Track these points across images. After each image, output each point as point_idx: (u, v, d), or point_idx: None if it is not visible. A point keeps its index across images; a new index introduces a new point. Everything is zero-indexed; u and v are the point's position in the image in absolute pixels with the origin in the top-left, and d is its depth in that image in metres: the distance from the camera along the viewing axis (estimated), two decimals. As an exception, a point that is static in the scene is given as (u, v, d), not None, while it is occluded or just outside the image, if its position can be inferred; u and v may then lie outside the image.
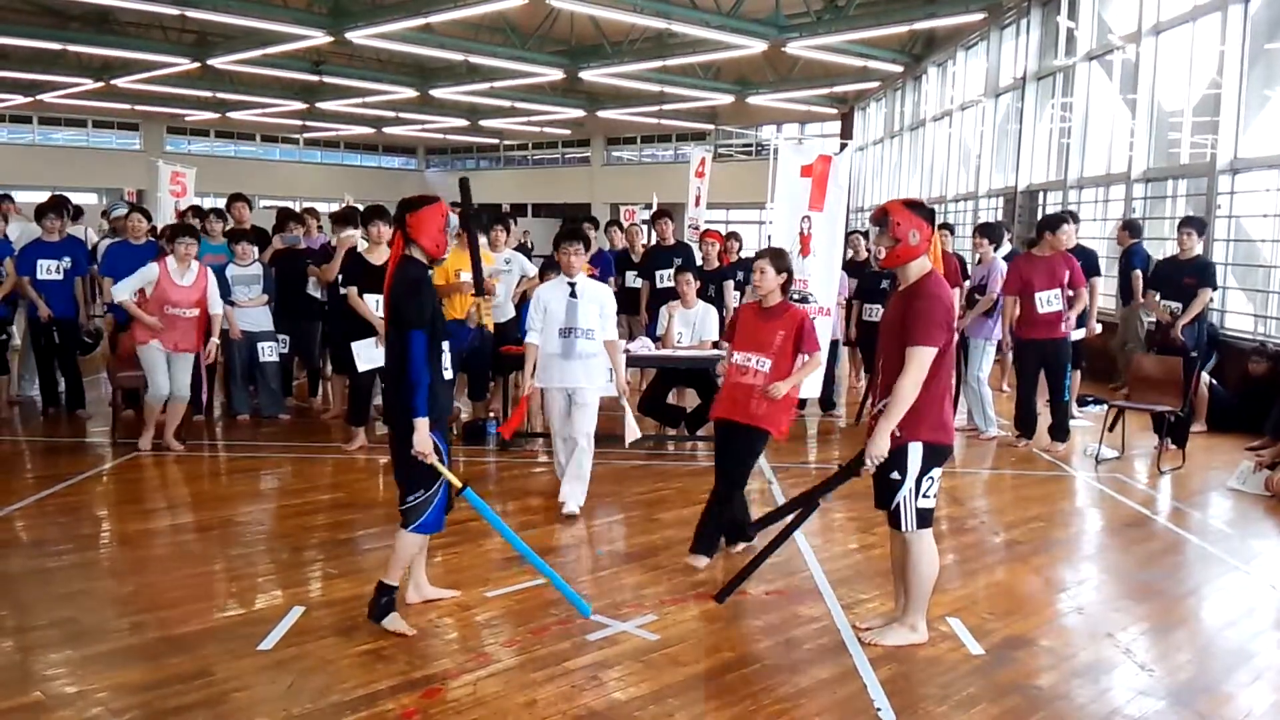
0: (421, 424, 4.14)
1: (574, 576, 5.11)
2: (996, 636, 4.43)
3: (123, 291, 7.32)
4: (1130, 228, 10.55)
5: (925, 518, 4.20)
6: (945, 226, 10.81)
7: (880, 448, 4.07)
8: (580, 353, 5.97)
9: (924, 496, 4.16)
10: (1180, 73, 11.54)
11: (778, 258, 5.23)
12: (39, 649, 4.11)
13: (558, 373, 6.02)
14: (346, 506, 6.28)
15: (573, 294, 6.00)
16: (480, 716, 3.58)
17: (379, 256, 7.53)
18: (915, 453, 4.12)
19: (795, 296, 7.80)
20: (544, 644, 4.23)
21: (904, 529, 4.19)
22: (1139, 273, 10.08)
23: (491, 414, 8.27)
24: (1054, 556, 5.69)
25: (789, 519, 4.63)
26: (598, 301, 6.05)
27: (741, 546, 5.35)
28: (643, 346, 7.92)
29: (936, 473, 4.19)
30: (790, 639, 4.37)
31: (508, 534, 4.54)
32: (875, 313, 8.97)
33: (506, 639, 4.29)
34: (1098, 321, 8.91)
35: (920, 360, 4.01)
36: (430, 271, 4.35)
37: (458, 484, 4.33)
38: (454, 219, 4.58)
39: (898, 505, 4.17)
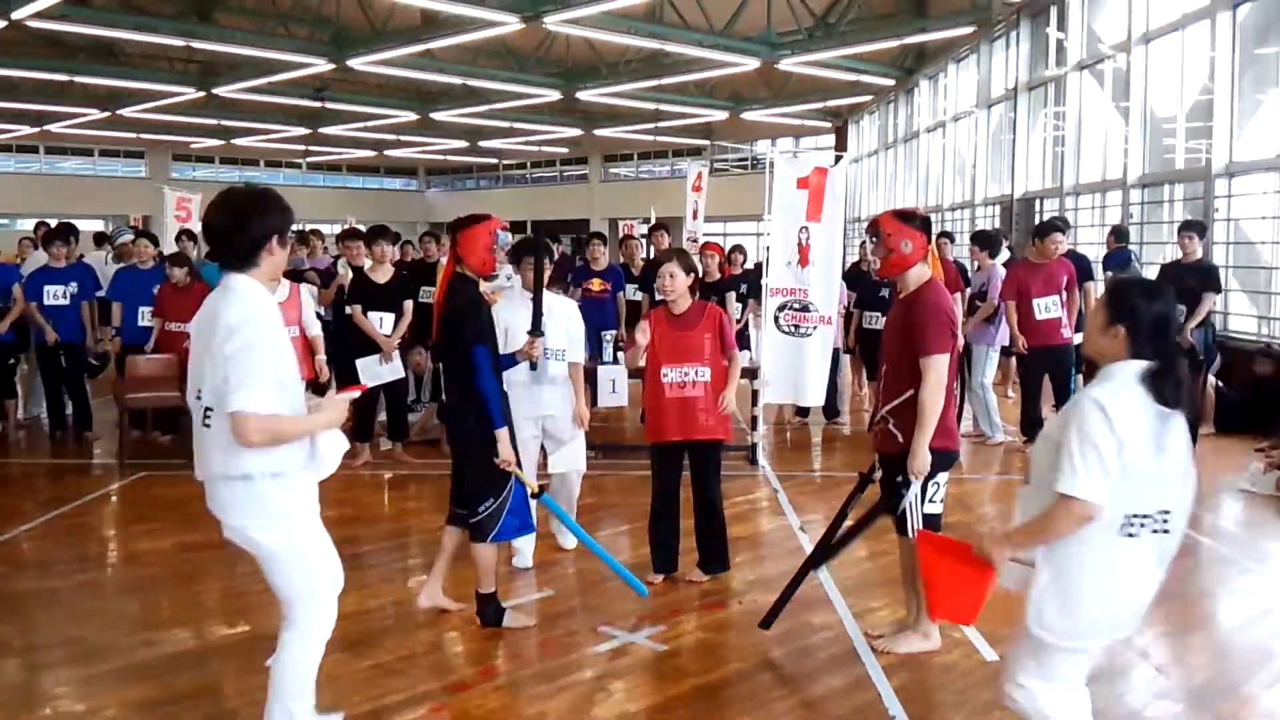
0: (502, 434, 4.27)
1: (582, 588, 5.12)
2: (1011, 642, 4.40)
3: None
4: (1116, 233, 10.65)
5: (932, 523, 4.19)
6: (945, 234, 10.86)
7: (922, 463, 4.05)
8: (552, 376, 5.26)
9: (930, 502, 4.16)
10: (1172, 79, 11.58)
11: (683, 257, 5.06)
12: (48, 668, 4.12)
13: (528, 401, 5.18)
14: (352, 522, 6.26)
15: None
16: (491, 728, 3.58)
17: (382, 275, 7.66)
18: (922, 459, 4.09)
19: (796, 305, 7.85)
20: (553, 656, 4.23)
21: (910, 534, 4.18)
22: (1109, 274, 10.18)
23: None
24: (1063, 560, 5.67)
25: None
26: (565, 318, 5.37)
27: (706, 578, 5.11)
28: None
29: (943, 478, 4.19)
30: (802, 647, 4.35)
31: (580, 533, 4.69)
32: (876, 320, 9.00)
33: (515, 651, 4.29)
34: None
35: (936, 368, 4.02)
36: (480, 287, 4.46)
37: (535, 488, 4.47)
38: (504, 236, 4.55)
39: (903, 511, 4.17)
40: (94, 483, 7.30)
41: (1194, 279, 8.38)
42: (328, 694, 3.81)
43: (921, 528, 4.16)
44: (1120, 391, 2.73)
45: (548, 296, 5.35)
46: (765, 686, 3.96)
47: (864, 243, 10.92)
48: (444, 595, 4.67)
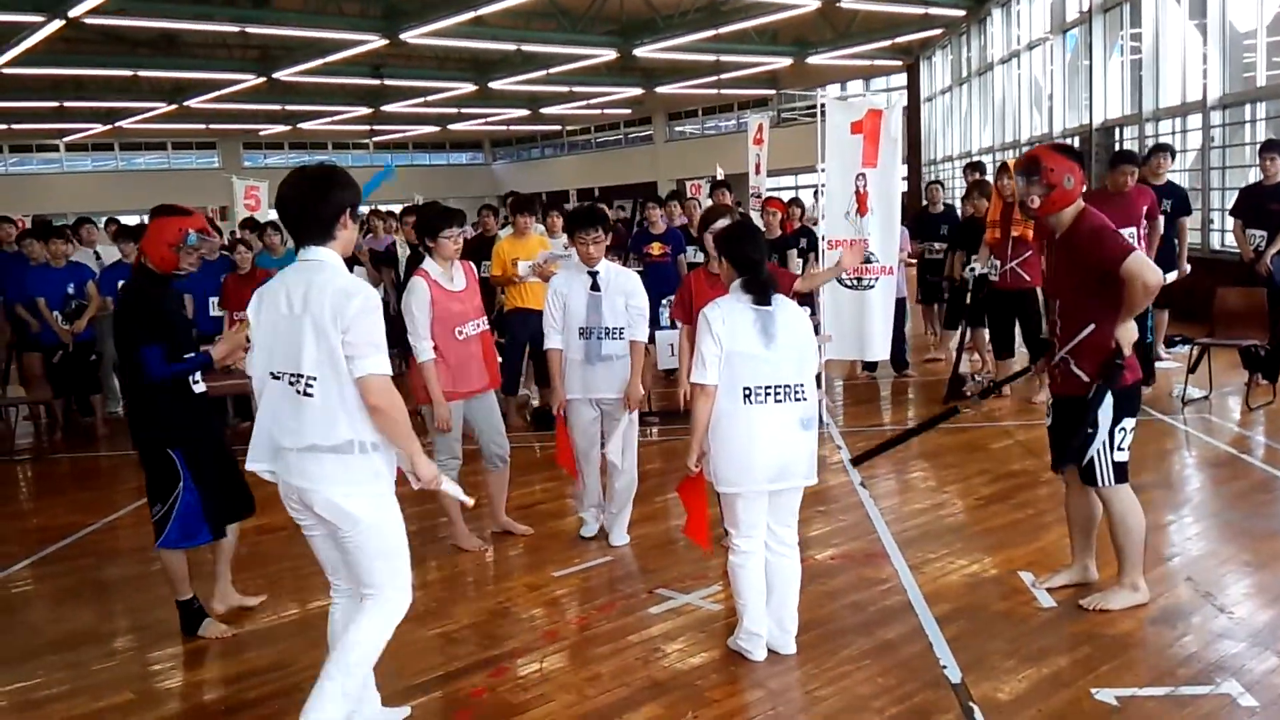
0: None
1: (640, 554, 5.15)
2: (1071, 588, 4.32)
3: (422, 344, 4.99)
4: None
5: (1123, 471, 4.02)
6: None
7: (1129, 333, 3.93)
8: (606, 355, 5.01)
9: (1119, 449, 3.99)
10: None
11: (731, 214, 4.89)
12: (134, 650, 4.31)
13: (580, 381, 5.06)
14: (413, 501, 6.37)
15: (594, 286, 5.01)
16: (545, 691, 3.66)
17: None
18: (1107, 402, 3.95)
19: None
20: (609, 619, 4.29)
21: (1100, 484, 4.02)
22: None
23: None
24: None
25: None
26: (624, 293, 5.05)
27: None
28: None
29: (1129, 423, 4.01)
30: (856, 601, 4.35)
31: None
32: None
33: (573, 616, 4.37)
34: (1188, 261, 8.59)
35: (1137, 259, 3.81)
36: (169, 284, 4.21)
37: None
38: (194, 237, 4.21)
39: (1091, 460, 3.99)
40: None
41: (1276, 202, 8.00)
42: (394, 663, 3.92)
43: (1114, 480, 4.01)
44: (723, 303, 3.69)
45: (606, 268, 5.12)
46: (819, 640, 3.96)
47: (933, 184, 10.64)
48: (236, 593, 4.64)
